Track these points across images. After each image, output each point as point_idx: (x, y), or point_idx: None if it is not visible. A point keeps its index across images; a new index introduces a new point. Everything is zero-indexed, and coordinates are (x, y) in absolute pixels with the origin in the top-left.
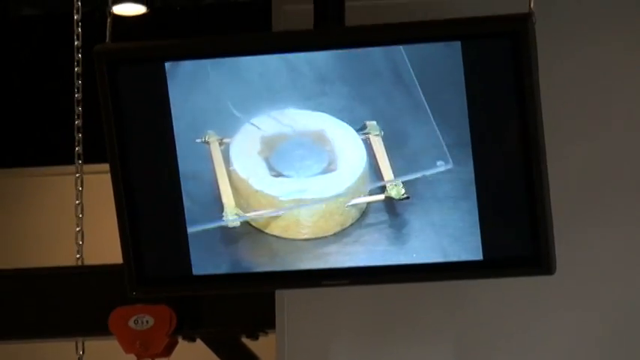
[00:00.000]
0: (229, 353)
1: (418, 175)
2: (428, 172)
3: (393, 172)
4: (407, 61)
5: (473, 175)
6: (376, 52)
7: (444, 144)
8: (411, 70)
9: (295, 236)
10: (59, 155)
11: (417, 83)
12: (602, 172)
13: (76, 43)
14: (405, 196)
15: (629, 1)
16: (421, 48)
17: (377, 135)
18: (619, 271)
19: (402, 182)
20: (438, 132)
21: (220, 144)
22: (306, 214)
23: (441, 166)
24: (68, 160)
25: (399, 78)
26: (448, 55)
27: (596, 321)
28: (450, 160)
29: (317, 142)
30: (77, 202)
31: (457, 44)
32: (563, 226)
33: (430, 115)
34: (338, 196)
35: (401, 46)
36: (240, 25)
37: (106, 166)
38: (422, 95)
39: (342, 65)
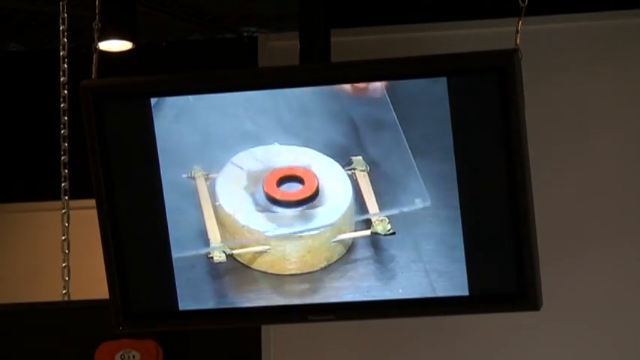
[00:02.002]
0: None
1: (396, 211)
2: (406, 209)
3: (379, 208)
4: (388, 98)
5: (459, 211)
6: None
7: (422, 182)
8: (392, 107)
9: (281, 271)
10: (45, 191)
11: (396, 120)
12: (588, 208)
13: (62, 79)
14: (391, 231)
15: (614, 40)
16: (403, 85)
17: (362, 170)
18: (605, 306)
19: (388, 218)
20: (416, 169)
21: (206, 179)
22: (293, 249)
23: (418, 204)
24: (54, 195)
25: (381, 115)
26: (434, 91)
27: (581, 356)
28: (428, 197)
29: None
30: (63, 237)
31: (443, 80)
32: (550, 261)
33: (409, 152)
34: (324, 231)
35: (381, 84)
36: (227, 60)
37: (92, 202)
38: (402, 132)
39: (328, 101)
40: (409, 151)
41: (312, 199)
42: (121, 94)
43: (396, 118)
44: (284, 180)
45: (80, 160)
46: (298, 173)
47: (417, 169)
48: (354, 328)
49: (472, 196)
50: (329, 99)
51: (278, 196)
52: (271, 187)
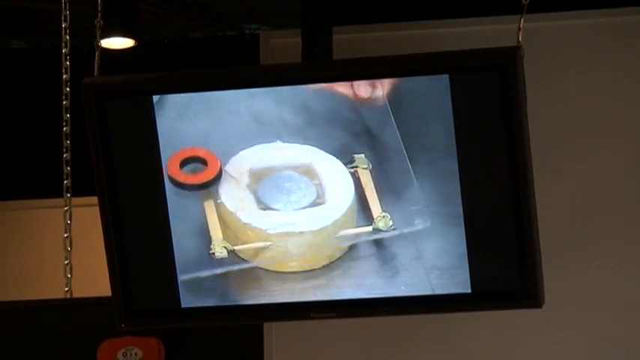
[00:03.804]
0: None
1: (397, 232)
2: (406, 230)
3: (381, 205)
4: (387, 103)
5: (461, 209)
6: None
7: (418, 188)
8: (390, 111)
9: (283, 269)
10: (47, 188)
11: (393, 119)
12: (590, 206)
13: (64, 76)
14: (393, 227)
15: (617, 37)
16: (405, 82)
17: (365, 168)
18: (607, 304)
19: (390, 215)
20: (413, 176)
21: None
22: (294, 247)
23: (419, 225)
24: (57, 193)
25: (380, 118)
26: (436, 89)
27: (583, 353)
28: (429, 221)
29: (305, 176)
30: (65, 235)
31: (445, 77)
32: (552, 258)
33: (407, 159)
34: (326, 228)
35: (381, 88)
36: (229, 58)
37: (94, 199)
38: (399, 137)
39: (330, 98)
40: (407, 159)
41: (215, 181)
42: (123, 92)
43: (394, 122)
44: (187, 161)
45: (82, 157)
46: (200, 154)
47: (413, 176)
48: (356, 326)
49: (474, 193)
50: (331, 96)
51: (181, 179)
52: (174, 169)
